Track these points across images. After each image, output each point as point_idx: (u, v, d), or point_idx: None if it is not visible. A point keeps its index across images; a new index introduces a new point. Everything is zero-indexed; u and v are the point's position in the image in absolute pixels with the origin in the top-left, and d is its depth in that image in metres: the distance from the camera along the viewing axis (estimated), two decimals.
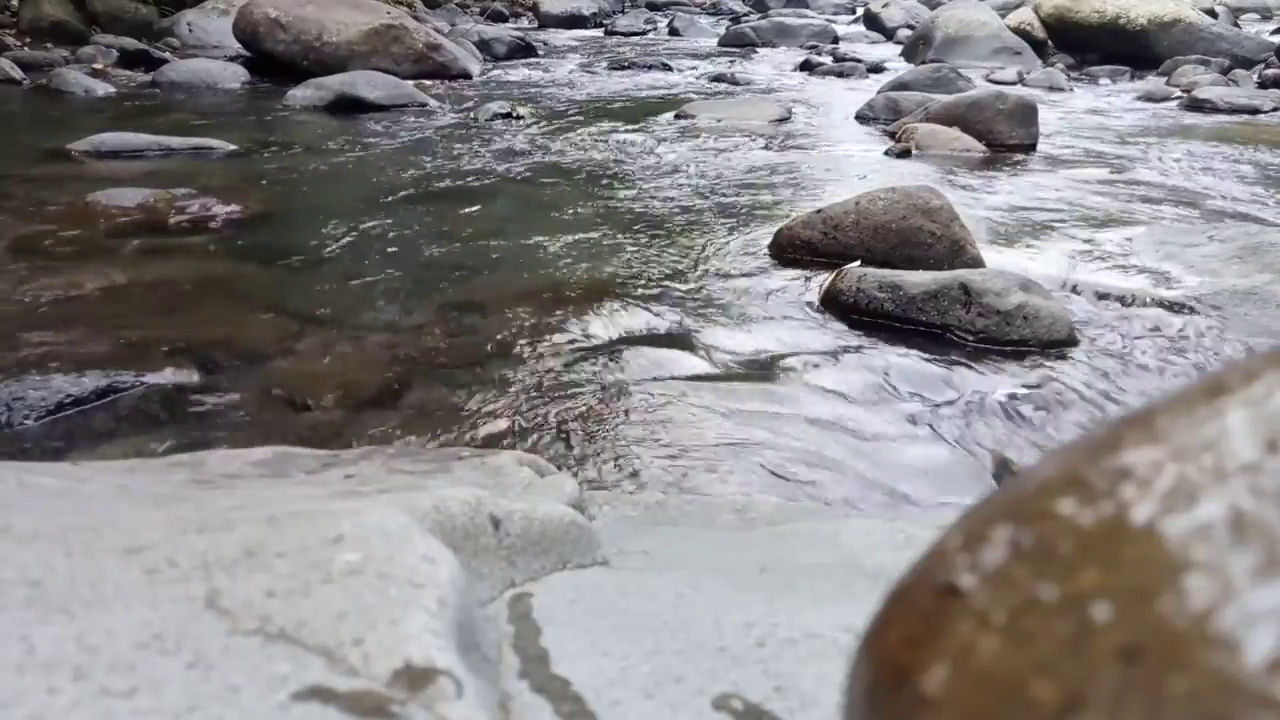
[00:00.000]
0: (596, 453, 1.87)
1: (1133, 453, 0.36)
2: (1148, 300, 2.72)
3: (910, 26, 11.85)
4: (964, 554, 0.38)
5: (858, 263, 2.81)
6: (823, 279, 2.78)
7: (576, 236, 3.38)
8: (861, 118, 6.13)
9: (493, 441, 1.89)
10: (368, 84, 6.14)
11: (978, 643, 0.34)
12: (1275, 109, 6.86)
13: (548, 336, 2.43)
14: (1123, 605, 0.32)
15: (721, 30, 12.46)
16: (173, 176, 3.95)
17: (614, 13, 14.82)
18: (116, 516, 0.89)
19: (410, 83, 6.49)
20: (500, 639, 0.78)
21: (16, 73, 6.63)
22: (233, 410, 2.00)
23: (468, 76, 7.62)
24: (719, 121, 5.73)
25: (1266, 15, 13.52)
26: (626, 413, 2.02)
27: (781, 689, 0.73)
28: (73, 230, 3.18)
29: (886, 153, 4.91)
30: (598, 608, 0.87)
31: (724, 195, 3.99)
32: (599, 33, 12.79)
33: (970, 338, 2.42)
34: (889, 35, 12.25)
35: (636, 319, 2.56)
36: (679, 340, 2.43)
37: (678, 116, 5.89)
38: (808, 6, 16.79)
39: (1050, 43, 9.92)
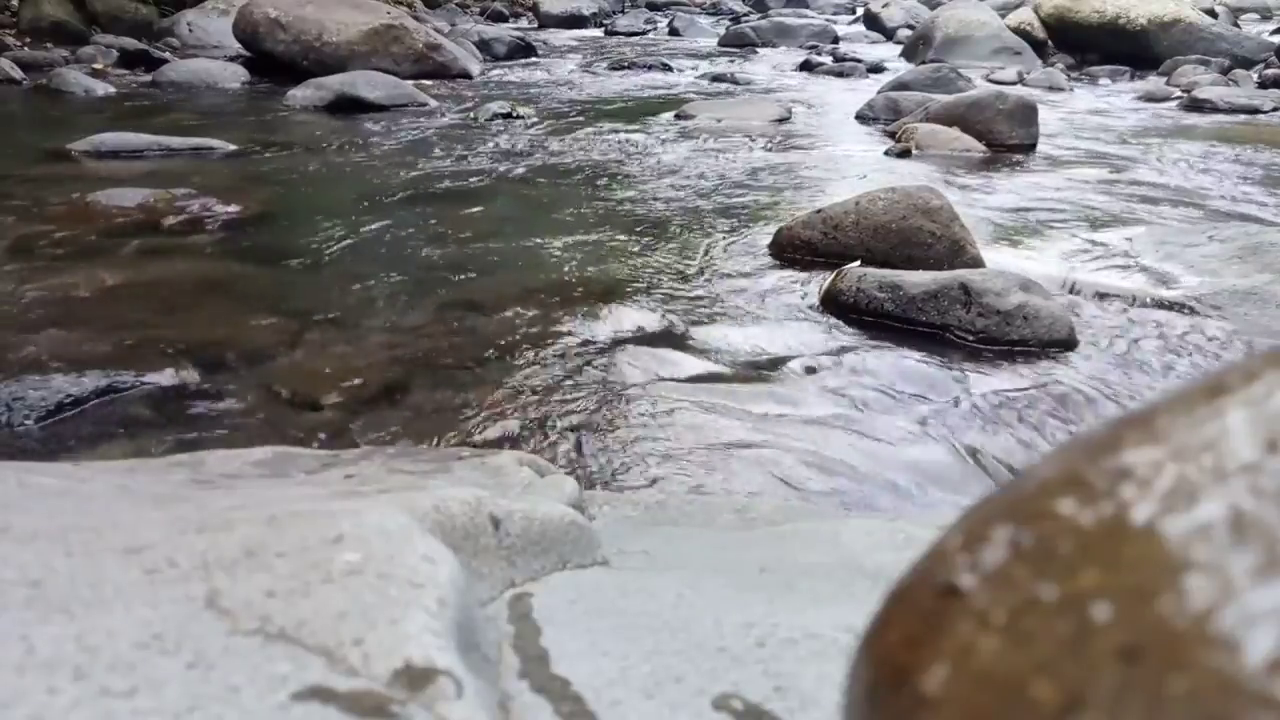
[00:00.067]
0: (596, 453, 1.87)
1: (1133, 453, 0.36)
2: (1148, 300, 2.72)
3: (910, 26, 11.85)
4: (964, 554, 0.38)
5: (858, 263, 2.81)
6: (823, 279, 2.78)
7: (576, 237, 3.38)
8: (861, 118, 6.13)
9: (493, 441, 1.89)
10: (368, 84, 6.14)
11: (978, 643, 0.34)
12: (1275, 109, 6.86)
13: (547, 337, 2.43)
14: (1123, 605, 0.32)
15: (721, 30, 12.46)
16: (173, 176, 3.95)
17: (614, 13, 14.83)
18: (116, 516, 0.89)
19: (410, 83, 6.49)
20: (500, 639, 0.78)
21: (16, 73, 6.63)
22: (233, 410, 2.00)
23: (468, 76, 7.62)
24: (719, 121, 5.73)
25: (1266, 15, 13.52)
26: (626, 413, 2.02)
27: (781, 689, 0.73)
28: (73, 230, 3.18)
29: (886, 153, 4.91)
30: (598, 608, 0.87)
31: (724, 195, 3.99)
32: (599, 33, 12.79)
33: (970, 338, 2.42)
34: (889, 35, 12.26)
35: (636, 319, 2.56)
36: (679, 340, 2.43)
37: (678, 116, 5.89)
38: (808, 6, 16.79)
39: (1050, 43, 9.92)
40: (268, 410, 2.00)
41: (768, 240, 3.20)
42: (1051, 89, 7.87)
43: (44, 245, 3.02)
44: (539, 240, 3.29)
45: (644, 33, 12.89)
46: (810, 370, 2.27)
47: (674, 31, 12.93)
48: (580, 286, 2.81)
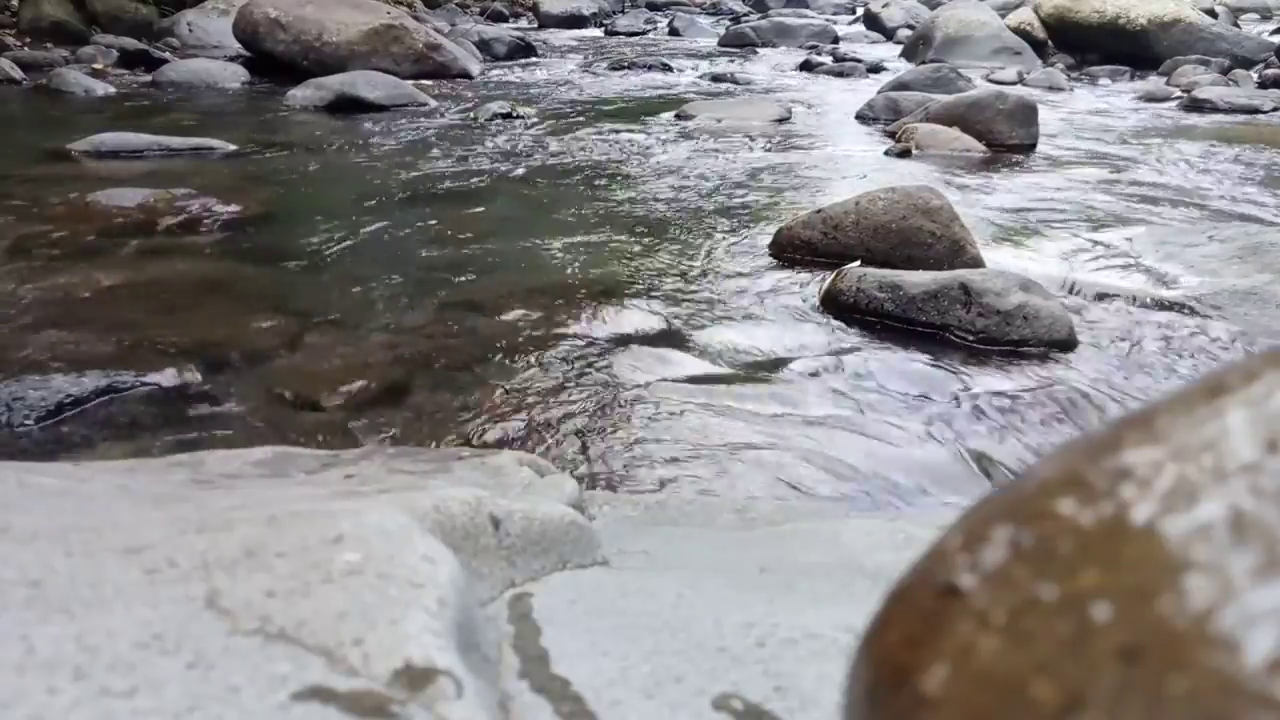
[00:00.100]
0: (596, 453, 1.87)
1: (1133, 453, 0.36)
2: (1148, 300, 2.72)
3: (910, 26, 11.85)
4: (964, 554, 0.38)
5: (858, 263, 2.81)
6: (823, 279, 2.78)
7: (576, 237, 3.38)
8: (861, 118, 6.13)
9: (493, 442, 1.89)
10: (368, 84, 6.14)
11: (978, 643, 0.34)
12: (1275, 109, 6.86)
13: (548, 337, 2.43)
14: (1123, 605, 0.32)
15: (721, 30, 12.46)
16: (173, 176, 3.95)
17: (614, 13, 14.83)
18: (116, 516, 0.89)
19: (410, 83, 6.49)
20: (500, 639, 0.78)
21: (16, 73, 6.63)
22: (233, 410, 2.00)
23: (468, 76, 7.62)
24: (719, 121, 5.73)
25: (1266, 15, 13.52)
26: (626, 413, 2.02)
27: (781, 689, 0.73)
28: (73, 230, 3.18)
29: (886, 153, 4.91)
30: (598, 608, 0.87)
31: (724, 195, 3.99)
32: (599, 33, 12.79)
33: (970, 338, 2.42)
34: (889, 35, 12.26)
35: (636, 319, 2.56)
36: (679, 340, 2.43)
37: (678, 116, 5.89)
38: (808, 6, 16.79)
39: (1050, 43, 9.92)
40: (268, 410, 2.00)
41: (768, 240, 3.20)
42: (1051, 89, 7.88)
43: (44, 245, 3.02)
44: (539, 240, 3.29)
45: (644, 33, 12.89)
46: (810, 370, 2.27)
47: (674, 31, 12.93)
48: (580, 287, 2.81)
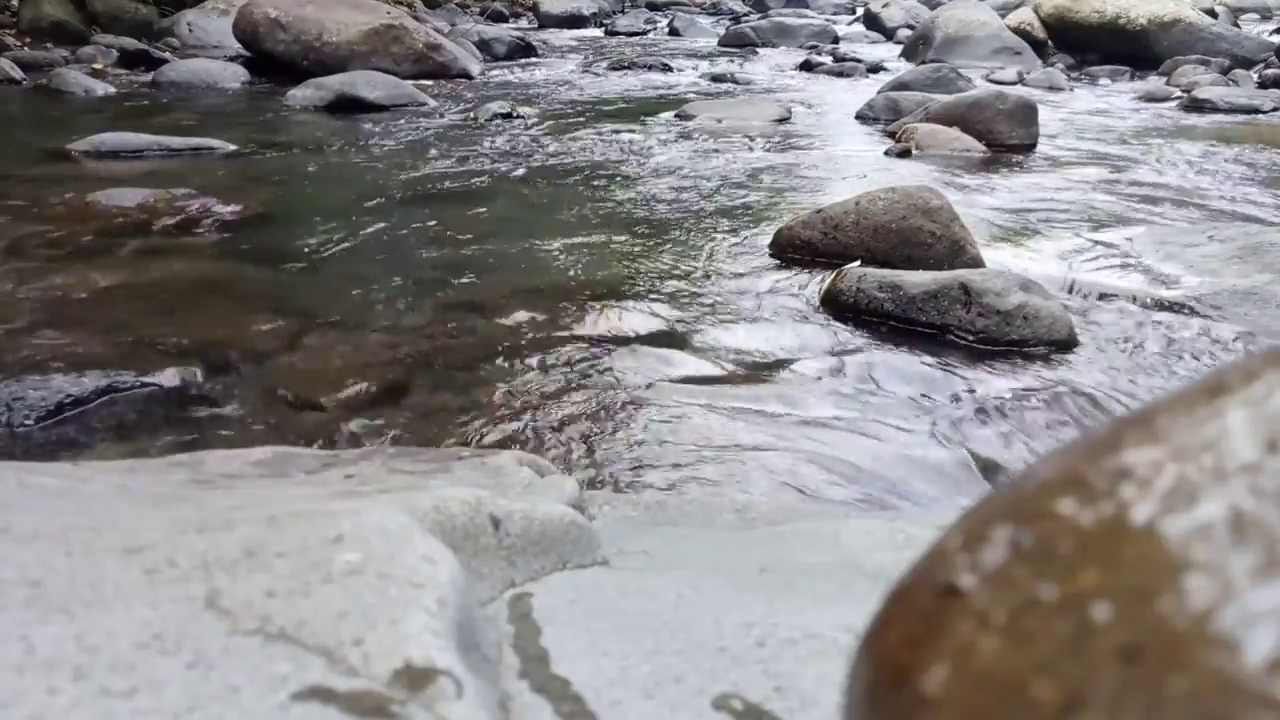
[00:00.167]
0: (597, 453, 1.87)
1: (1133, 453, 0.36)
2: (1148, 300, 2.72)
3: (910, 26, 11.85)
4: (964, 554, 0.38)
5: (858, 263, 2.81)
6: (823, 279, 2.78)
7: (576, 237, 3.38)
8: (861, 118, 6.13)
9: (493, 441, 1.89)
10: (368, 84, 6.14)
11: (978, 643, 0.34)
12: (1275, 109, 6.86)
13: (548, 337, 2.43)
14: (1123, 605, 0.32)
15: (721, 30, 12.46)
16: (173, 176, 3.95)
17: (614, 13, 14.82)
18: (116, 516, 0.89)
19: (410, 83, 6.49)
20: (500, 639, 0.78)
21: (16, 73, 6.63)
22: (233, 410, 2.00)
23: (468, 76, 7.62)
24: (719, 121, 5.73)
25: (1266, 15, 13.52)
26: (626, 413, 2.02)
27: (781, 689, 0.73)
28: (73, 230, 3.18)
29: (886, 153, 4.91)
30: (598, 608, 0.87)
31: (724, 195, 3.99)
32: (599, 33, 12.79)
33: (970, 338, 2.42)
34: (889, 35, 12.26)
35: (636, 319, 2.56)
36: (679, 340, 2.43)
37: (678, 116, 5.89)
38: (808, 6, 16.78)
39: (1050, 43, 9.92)
40: (268, 410, 2.01)
41: (768, 240, 3.20)
42: (1051, 89, 7.87)
43: (44, 245, 3.02)
44: (539, 241, 3.29)
45: (644, 33, 12.89)
46: (810, 371, 2.27)
47: (674, 31, 12.93)
48: (580, 287, 2.81)
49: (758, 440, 1.91)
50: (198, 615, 0.66)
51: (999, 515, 0.38)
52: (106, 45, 7.91)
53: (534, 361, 2.27)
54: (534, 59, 9.22)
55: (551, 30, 12.69)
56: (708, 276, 2.94)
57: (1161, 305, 2.69)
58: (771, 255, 3.12)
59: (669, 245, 3.28)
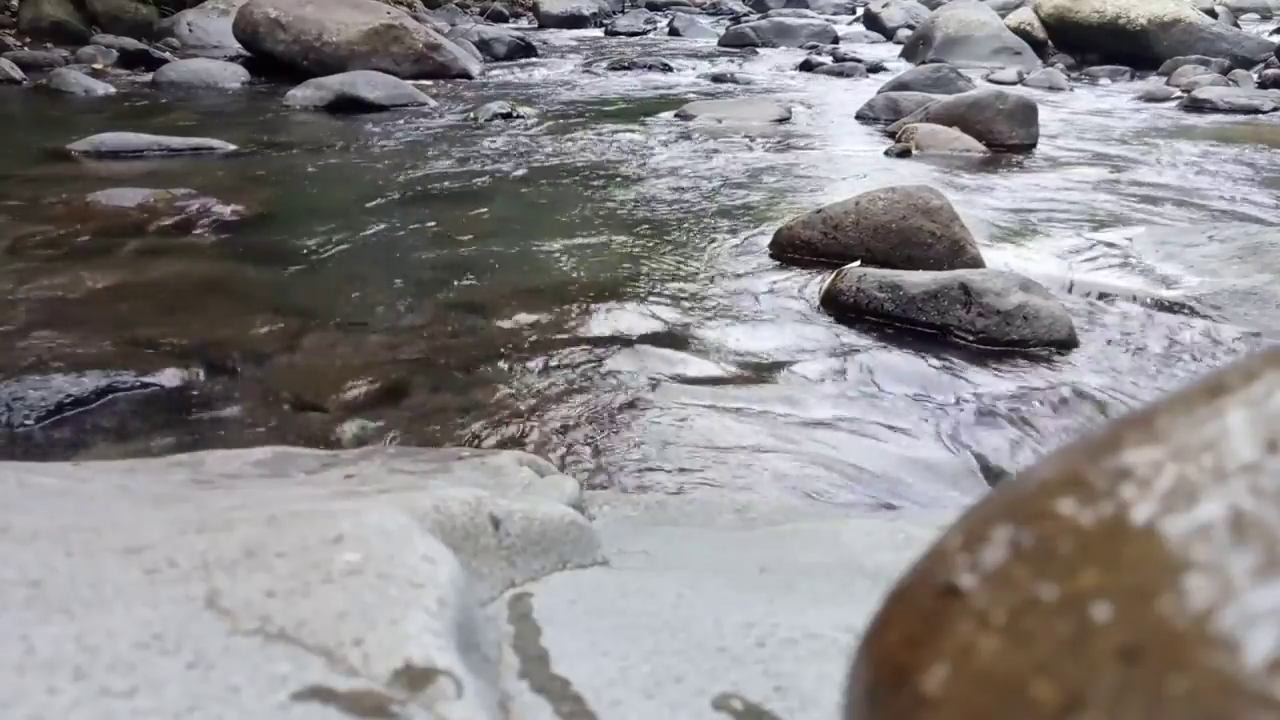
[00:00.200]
0: (597, 453, 1.87)
1: (1133, 453, 0.36)
2: (1148, 300, 2.72)
3: (910, 26, 11.85)
4: (964, 554, 0.38)
5: (858, 263, 2.81)
6: (822, 279, 2.78)
7: (576, 237, 3.38)
8: (861, 118, 6.13)
9: (493, 442, 1.89)
10: (368, 84, 6.14)
11: (978, 643, 0.34)
12: (1275, 109, 6.86)
13: (548, 337, 2.43)
14: (1123, 605, 0.32)
15: (721, 30, 12.46)
16: (173, 176, 3.95)
17: (614, 13, 14.82)
18: (116, 516, 0.89)
19: (410, 83, 6.49)
20: (500, 639, 0.78)
21: (16, 73, 6.63)
22: (233, 410, 2.00)
23: (468, 76, 7.62)
24: (719, 121, 5.73)
25: (1266, 15, 13.52)
26: (626, 413, 2.02)
27: (781, 689, 0.73)
28: (73, 230, 3.18)
29: (886, 153, 4.91)
30: (598, 608, 0.87)
31: (724, 195, 3.99)
32: (599, 33, 12.79)
33: (970, 338, 2.42)
34: (889, 35, 12.25)
35: (636, 319, 2.56)
36: (679, 340, 2.43)
37: (678, 116, 5.89)
38: (808, 6, 16.78)
39: (1050, 43, 9.92)
40: (268, 410, 2.01)
41: (768, 240, 3.20)
42: (1051, 89, 7.87)
43: (44, 245, 3.02)
44: (539, 241, 3.29)
45: (644, 33, 12.89)
46: (810, 371, 2.27)
47: (674, 31, 12.93)
48: (580, 287, 2.81)
49: (757, 440, 1.91)
50: (198, 615, 0.66)
51: (999, 515, 0.38)
52: (106, 45, 7.91)
53: (534, 362, 2.27)
54: (534, 59, 9.22)
55: (551, 30, 12.69)
56: (707, 277, 2.94)
57: (1162, 305, 2.69)
58: (771, 255, 3.12)
59: (669, 245, 3.28)
